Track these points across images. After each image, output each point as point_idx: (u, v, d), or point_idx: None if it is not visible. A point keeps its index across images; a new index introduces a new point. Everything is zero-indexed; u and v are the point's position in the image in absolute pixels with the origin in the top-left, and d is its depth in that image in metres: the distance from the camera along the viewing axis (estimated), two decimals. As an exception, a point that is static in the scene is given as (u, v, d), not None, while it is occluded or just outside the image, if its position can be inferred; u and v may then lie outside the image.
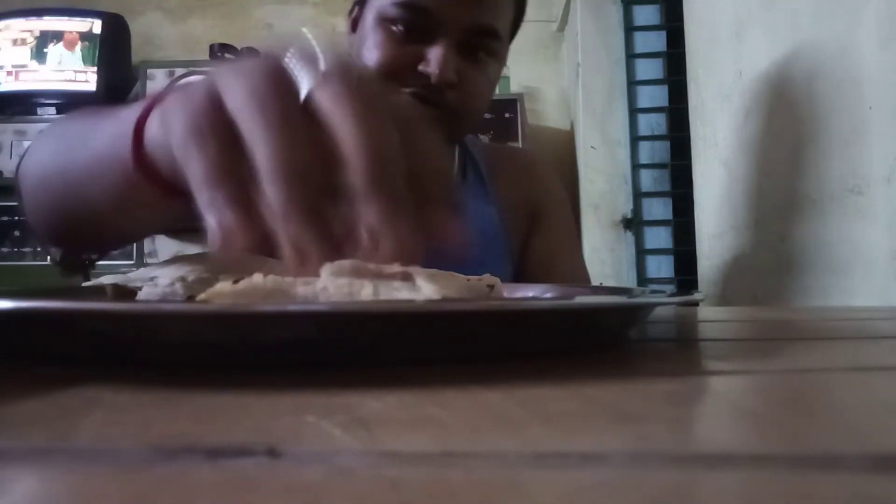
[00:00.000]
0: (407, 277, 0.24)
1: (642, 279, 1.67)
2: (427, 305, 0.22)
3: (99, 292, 0.33)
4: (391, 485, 0.11)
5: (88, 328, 0.22)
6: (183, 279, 0.29)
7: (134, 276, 0.31)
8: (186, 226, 0.32)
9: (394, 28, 0.65)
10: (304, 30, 0.26)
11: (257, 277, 0.22)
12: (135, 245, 1.95)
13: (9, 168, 1.88)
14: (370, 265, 0.23)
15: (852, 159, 0.69)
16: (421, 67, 0.64)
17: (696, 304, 0.59)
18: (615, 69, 1.73)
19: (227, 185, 0.24)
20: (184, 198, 0.26)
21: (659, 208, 1.68)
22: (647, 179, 1.70)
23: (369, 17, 0.67)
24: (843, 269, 0.71)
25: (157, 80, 1.93)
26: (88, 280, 0.33)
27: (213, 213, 0.24)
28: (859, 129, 0.67)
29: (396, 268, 0.24)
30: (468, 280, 0.36)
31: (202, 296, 0.22)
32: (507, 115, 1.89)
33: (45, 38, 2.02)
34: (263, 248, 0.24)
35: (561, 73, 2.20)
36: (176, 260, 0.33)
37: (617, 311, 0.28)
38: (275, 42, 0.27)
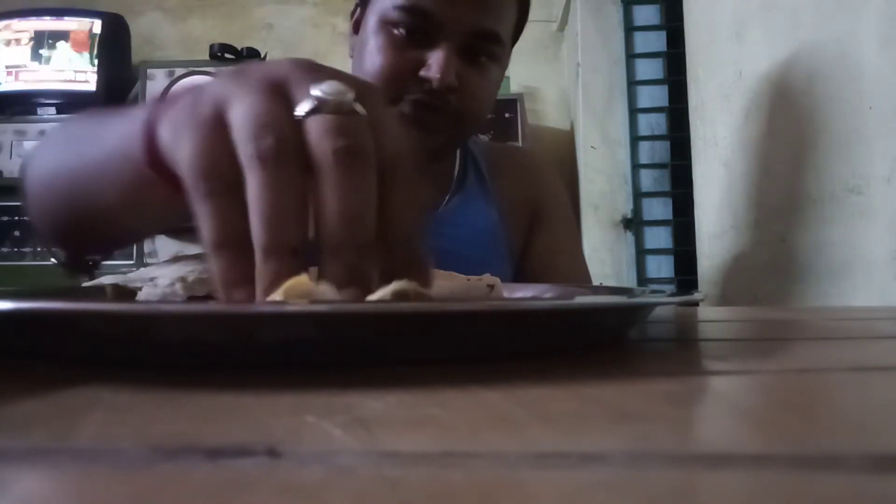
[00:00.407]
0: None
1: (642, 279, 1.66)
2: (427, 305, 0.22)
3: (99, 292, 0.33)
4: (391, 485, 0.11)
5: (88, 328, 0.22)
6: (183, 279, 0.29)
7: (134, 277, 0.31)
8: (191, 224, 0.33)
9: (395, 31, 0.65)
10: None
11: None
12: (135, 245, 1.95)
13: (9, 168, 1.88)
14: None
15: (852, 159, 0.69)
16: (422, 72, 0.64)
17: (696, 304, 0.59)
18: (615, 69, 1.73)
19: (230, 235, 0.25)
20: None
21: (659, 208, 1.68)
22: (647, 179, 1.70)
23: (371, 20, 0.67)
24: (844, 268, 0.71)
25: (157, 80, 1.93)
26: (93, 278, 0.33)
27: (217, 263, 0.25)
28: (859, 129, 0.67)
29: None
30: (468, 280, 0.36)
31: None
32: (507, 115, 1.89)
33: (44, 38, 2.02)
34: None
35: (561, 73, 2.20)
36: (176, 260, 0.33)
37: (617, 311, 0.28)
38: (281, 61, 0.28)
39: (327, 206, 0.24)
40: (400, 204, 0.26)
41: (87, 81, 2.00)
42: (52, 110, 1.96)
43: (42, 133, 1.89)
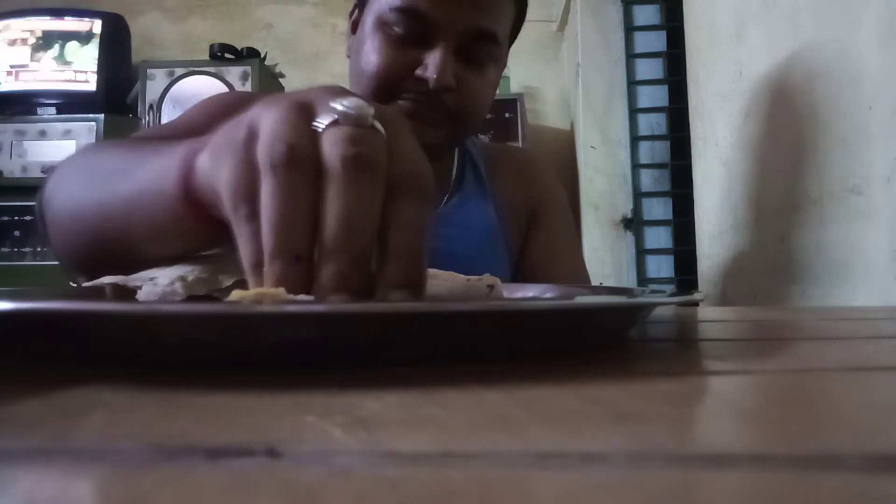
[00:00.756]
0: None
1: (642, 279, 1.66)
2: (427, 305, 0.22)
3: (99, 292, 0.33)
4: (391, 485, 0.11)
5: (88, 328, 0.22)
6: (183, 279, 0.29)
7: (134, 276, 0.31)
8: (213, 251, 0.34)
9: (392, 32, 0.65)
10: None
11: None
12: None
13: (9, 168, 1.88)
14: None
15: (852, 159, 0.69)
16: (419, 72, 0.64)
17: (696, 304, 0.59)
18: (615, 69, 1.73)
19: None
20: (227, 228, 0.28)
21: (659, 208, 1.68)
22: (647, 179, 1.70)
23: (368, 21, 0.67)
24: (843, 268, 0.71)
25: (157, 80, 1.93)
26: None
27: (255, 284, 0.25)
28: (859, 129, 0.67)
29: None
30: (468, 280, 0.36)
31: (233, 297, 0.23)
32: (507, 115, 1.89)
33: (45, 38, 2.02)
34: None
35: (561, 73, 2.20)
36: (176, 260, 0.33)
37: (617, 311, 0.28)
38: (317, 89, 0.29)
39: (328, 211, 0.24)
40: (405, 219, 0.25)
41: (87, 81, 2.00)
42: (52, 110, 1.96)
43: (42, 133, 1.89)
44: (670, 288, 1.47)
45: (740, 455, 0.13)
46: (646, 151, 1.70)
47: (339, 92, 0.28)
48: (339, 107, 0.26)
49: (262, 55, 1.99)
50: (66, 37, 2.02)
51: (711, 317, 0.47)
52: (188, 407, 0.16)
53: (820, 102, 0.75)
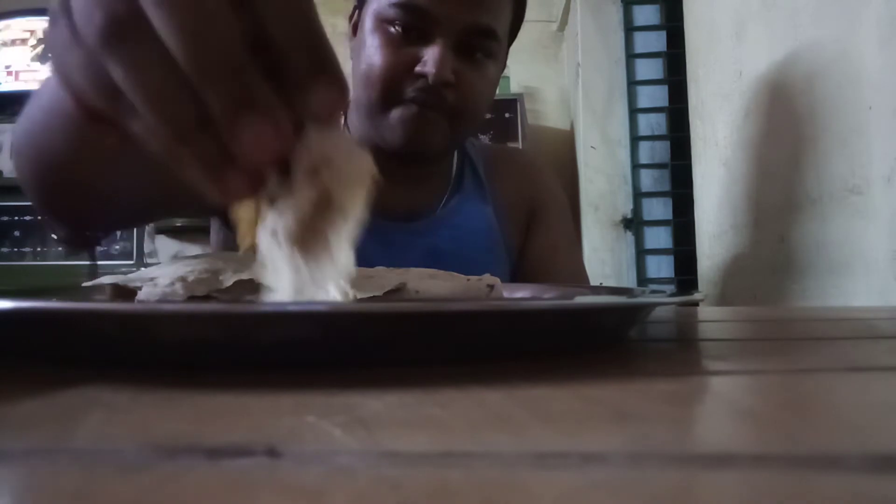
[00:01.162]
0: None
1: (642, 279, 1.67)
2: (427, 305, 0.22)
3: (99, 292, 0.33)
4: (391, 485, 0.11)
5: (88, 328, 0.22)
6: (183, 279, 0.29)
7: (134, 276, 0.31)
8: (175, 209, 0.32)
9: (391, 29, 0.65)
10: None
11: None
12: (135, 245, 1.95)
13: (9, 168, 1.88)
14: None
15: (852, 159, 0.69)
16: (418, 68, 0.64)
17: (696, 304, 0.59)
18: (615, 69, 1.73)
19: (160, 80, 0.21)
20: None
21: (659, 208, 1.69)
22: (647, 179, 1.70)
23: (368, 20, 0.68)
24: (843, 268, 0.71)
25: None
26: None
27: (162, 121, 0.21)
28: (859, 129, 0.67)
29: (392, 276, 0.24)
30: (468, 280, 0.36)
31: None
32: (507, 115, 1.89)
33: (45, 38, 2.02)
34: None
35: (561, 73, 2.20)
36: (176, 260, 0.33)
37: (617, 311, 0.28)
38: None
39: (178, 49, 0.20)
40: (275, 10, 0.21)
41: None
42: (52, 110, 1.96)
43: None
44: (670, 288, 1.47)
45: (740, 455, 0.13)
46: (646, 151, 1.70)
47: None
48: None
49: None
50: (66, 37, 2.02)
51: (711, 317, 0.47)
52: (188, 407, 0.16)
53: (820, 102, 0.75)
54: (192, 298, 0.29)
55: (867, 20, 0.65)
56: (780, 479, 0.11)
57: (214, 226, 0.78)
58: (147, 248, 1.97)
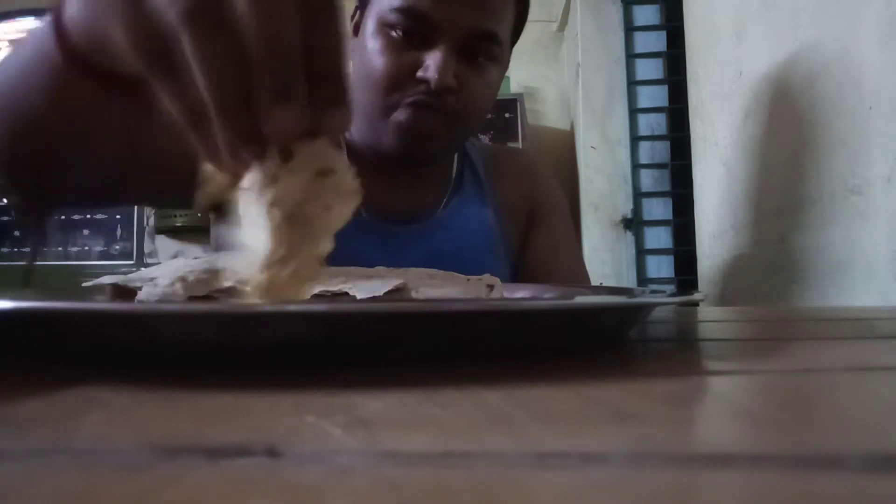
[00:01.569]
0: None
1: (642, 279, 1.66)
2: (427, 305, 0.22)
3: (99, 292, 0.33)
4: (391, 485, 0.11)
5: (88, 328, 0.22)
6: (183, 279, 0.29)
7: (134, 277, 0.31)
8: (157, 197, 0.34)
9: (393, 33, 0.65)
10: None
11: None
12: (135, 245, 1.95)
13: (9, 168, 1.88)
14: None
15: (852, 159, 0.69)
16: (420, 73, 0.64)
17: (696, 304, 0.59)
18: (615, 69, 1.73)
19: (197, 104, 0.25)
20: (122, 86, 0.28)
21: (659, 208, 1.68)
22: (647, 179, 1.70)
23: (369, 23, 0.67)
24: (843, 268, 0.71)
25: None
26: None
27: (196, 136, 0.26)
28: (859, 129, 0.67)
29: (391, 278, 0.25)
30: (468, 280, 0.36)
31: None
32: (507, 115, 1.89)
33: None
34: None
35: (561, 73, 2.20)
36: (176, 260, 0.33)
37: (617, 311, 0.28)
38: None
39: (253, 30, 0.24)
40: (321, 34, 0.26)
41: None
42: (52, 110, 1.96)
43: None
44: (670, 288, 1.47)
45: (740, 455, 0.13)
46: (646, 151, 1.70)
47: None
48: None
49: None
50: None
51: (711, 317, 0.47)
52: (188, 407, 0.16)
53: (820, 102, 0.75)
54: (192, 298, 0.29)
55: (867, 20, 0.65)
56: (780, 479, 0.11)
57: (215, 227, 0.78)
58: (147, 248, 1.97)
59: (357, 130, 0.74)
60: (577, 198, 1.77)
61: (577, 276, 0.82)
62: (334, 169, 0.26)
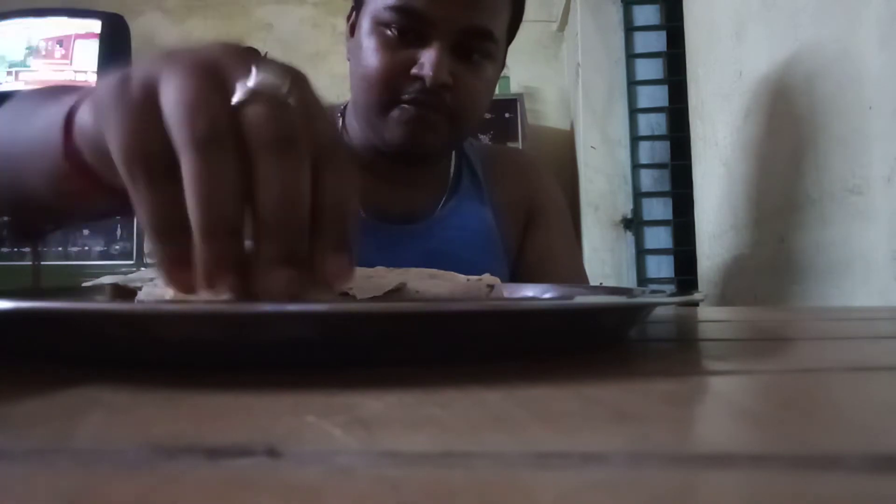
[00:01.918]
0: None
1: (642, 279, 1.67)
2: (427, 305, 0.22)
3: (99, 292, 0.33)
4: (391, 485, 0.11)
5: (88, 328, 0.22)
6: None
7: (134, 277, 0.31)
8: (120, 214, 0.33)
9: (388, 32, 0.65)
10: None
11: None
12: (135, 245, 1.95)
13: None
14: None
15: (852, 159, 0.69)
16: (415, 71, 0.64)
17: (696, 304, 0.59)
18: (615, 69, 1.73)
19: (169, 219, 0.24)
20: (115, 194, 0.27)
21: (659, 208, 1.68)
22: (647, 179, 1.70)
23: (365, 23, 0.68)
24: (843, 268, 0.71)
25: (157, 80, 1.92)
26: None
27: (158, 249, 0.25)
28: (859, 129, 0.67)
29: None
30: (468, 280, 0.36)
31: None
32: (507, 115, 1.89)
33: (45, 39, 2.02)
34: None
35: (561, 73, 2.20)
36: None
37: (617, 311, 0.28)
38: (222, 44, 0.28)
39: (265, 191, 0.24)
40: (330, 190, 0.26)
41: (87, 81, 2.00)
42: (52, 110, 1.96)
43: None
44: (670, 288, 1.47)
45: (740, 455, 0.13)
46: (646, 151, 1.70)
47: (241, 54, 0.27)
48: (253, 83, 0.25)
49: (263, 55, 1.98)
50: (67, 37, 2.02)
51: (711, 317, 0.47)
52: (188, 407, 0.16)
53: (820, 102, 0.75)
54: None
55: (867, 20, 0.65)
56: (780, 479, 0.11)
57: None
58: (147, 248, 1.97)
59: (355, 130, 0.74)
60: (577, 198, 1.77)
61: (575, 275, 0.82)
62: None
